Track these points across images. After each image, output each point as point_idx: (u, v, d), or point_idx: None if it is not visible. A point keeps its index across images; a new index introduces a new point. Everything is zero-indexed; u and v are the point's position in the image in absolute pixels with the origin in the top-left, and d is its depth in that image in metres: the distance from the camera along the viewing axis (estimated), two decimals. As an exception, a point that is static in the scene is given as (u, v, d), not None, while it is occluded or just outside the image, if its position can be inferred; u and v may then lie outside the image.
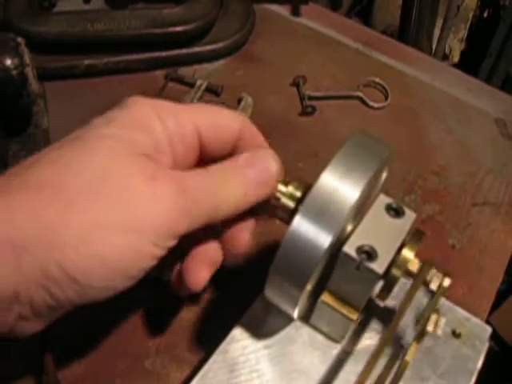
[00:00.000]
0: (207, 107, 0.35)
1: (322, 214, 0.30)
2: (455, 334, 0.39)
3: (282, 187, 0.35)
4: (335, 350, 0.37)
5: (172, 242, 0.30)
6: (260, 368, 0.36)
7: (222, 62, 0.62)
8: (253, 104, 0.56)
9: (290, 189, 0.34)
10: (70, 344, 0.40)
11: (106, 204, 0.28)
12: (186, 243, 0.34)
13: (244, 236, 0.35)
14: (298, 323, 0.38)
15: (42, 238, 0.26)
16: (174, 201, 0.29)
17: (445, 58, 1.26)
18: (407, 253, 0.33)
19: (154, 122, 0.31)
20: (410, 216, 0.34)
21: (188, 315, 0.42)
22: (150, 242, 0.28)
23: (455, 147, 0.58)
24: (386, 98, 0.60)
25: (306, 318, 0.38)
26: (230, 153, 0.35)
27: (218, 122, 0.34)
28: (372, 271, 0.31)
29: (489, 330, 0.40)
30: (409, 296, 0.32)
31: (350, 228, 0.34)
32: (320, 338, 0.38)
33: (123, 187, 0.28)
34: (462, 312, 0.41)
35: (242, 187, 0.32)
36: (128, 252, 0.28)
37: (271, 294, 0.33)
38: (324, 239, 0.30)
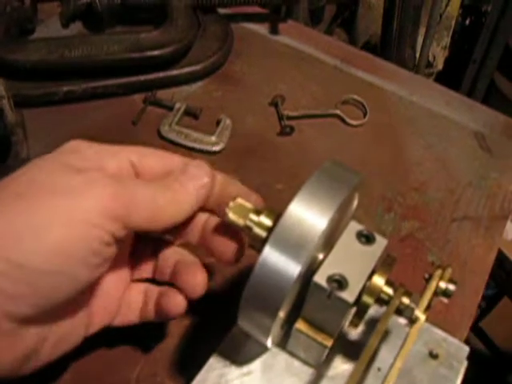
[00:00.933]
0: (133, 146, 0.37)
1: (291, 244, 0.30)
2: (432, 355, 0.39)
3: (253, 216, 0.35)
4: (312, 375, 0.37)
5: (115, 227, 0.31)
6: (237, 397, 0.36)
7: (200, 83, 0.62)
8: (231, 126, 0.57)
9: (262, 218, 0.34)
10: (50, 372, 0.40)
11: (43, 197, 0.30)
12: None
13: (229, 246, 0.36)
14: (275, 349, 0.38)
15: None
16: (108, 188, 0.31)
17: (429, 65, 1.27)
18: (378, 279, 0.33)
19: (86, 149, 0.34)
20: (381, 242, 0.35)
21: (168, 343, 0.42)
22: (90, 222, 0.30)
23: (434, 162, 0.58)
24: (365, 115, 0.60)
25: (282, 343, 0.38)
26: None
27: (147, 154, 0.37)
28: (343, 300, 0.32)
29: (466, 349, 0.40)
30: (380, 328, 0.33)
31: (321, 256, 0.34)
32: (297, 363, 0.38)
33: (56, 180, 0.31)
34: (439, 332, 0.41)
35: (183, 194, 0.35)
36: (69, 233, 0.30)
37: (244, 323, 0.34)
38: (293, 269, 0.30)
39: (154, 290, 0.38)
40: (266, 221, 0.35)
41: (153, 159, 0.36)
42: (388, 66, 0.69)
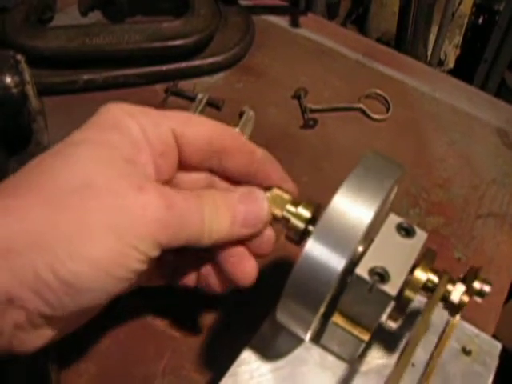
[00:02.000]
0: (177, 111, 0.35)
1: (335, 237, 0.29)
2: (465, 351, 0.39)
3: (291, 208, 0.34)
4: (346, 370, 0.37)
5: (154, 252, 0.30)
6: (269, 390, 0.36)
7: (221, 74, 0.61)
8: (254, 117, 0.56)
9: (300, 209, 0.34)
10: (76, 365, 0.39)
11: (92, 207, 0.28)
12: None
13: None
14: (308, 344, 0.38)
15: (32, 241, 0.27)
16: (159, 214, 0.29)
17: (440, 64, 1.26)
18: (420, 274, 0.32)
19: (127, 121, 0.32)
20: (421, 236, 0.34)
21: (195, 337, 0.42)
22: (133, 247, 0.29)
23: (457, 159, 0.58)
24: (388, 110, 0.60)
25: (316, 338, 0.37)
26: (211, 163, 0.35)
27: (191, 123, 0.34)
28: (385, 293, 0.31)
29: (499, 346, 0.40)
30: (425, 317, 0.32)
31: (361, 249, 0.33)
32: (331, 358, 0.37)
33: (109, 192, 0.29)
34: (471, 328, 0.40)
35: (230, 221, 0.33)
36: (113, 253, 0.28)
37: (283, 317, 0.33)
38: (338, 262, 0.29)
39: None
40: (305, 212, 0.34)
41: (197, 129, 0.34)
42: (410, 61, 0.68)
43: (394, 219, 0.34)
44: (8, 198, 0.28)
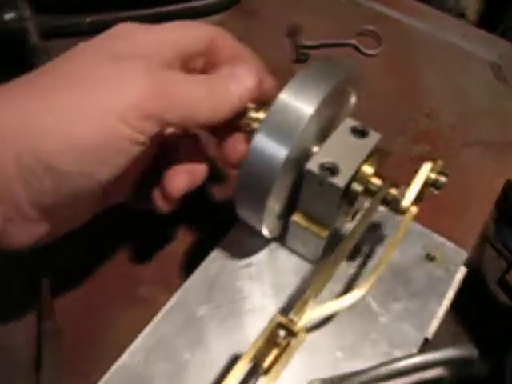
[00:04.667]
0: (174, 22, 0.36)
1: (280, 130, 0.32)
2: (429, 257, 0.41)
3: (252, 114, 0.36)
4: (311, 272, 0.39)
5: (148, 125, 0.30)
6: (239, 285, 0.39)
7: (217, 17, 0.63)
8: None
9: (260, 114, 0.36)
10: (66, 275, 0.42)
11: (81, 90, 0.29)
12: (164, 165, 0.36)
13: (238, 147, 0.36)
14: (275, 245, 0.40)
15: (22, 130, 0.28)
16: (147, 82, 0.30)
17: (461, 16, 1.24)
18: (367, 168, 0.34)
19: (131, 32, 0.33)
20: (374, 136, 0.36)
21: (180, 248, 0.44)
22: (122, 120, 0.29)
23: (448, 91, 0.58)
24: (380, 45, 0.61)
25: (282, 240, 0.40)
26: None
27: (190, 30, 0.35)
28: (334, 186, 0.33)
29: (464, 254, 0.42)
30: (366, 215, 0.34)
31: (315, 149, 0.35)
32: (296, 259, 0.40)
33: (97, 74, 0.30)
34: (437, 237, 0.42)
35: (225, 94, 0.34)
36: (103, 132, 0.29)
37: (240, 211, 0.36)
38: (282, 153, 0.32)
39: None
40: (262, 115, 0.36)
41: (196, 33, 0.35)
42: (406, 0, 0.68)
43: (349, 122, 0.36)
44: (1, 90, 0.29)
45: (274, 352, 0.29)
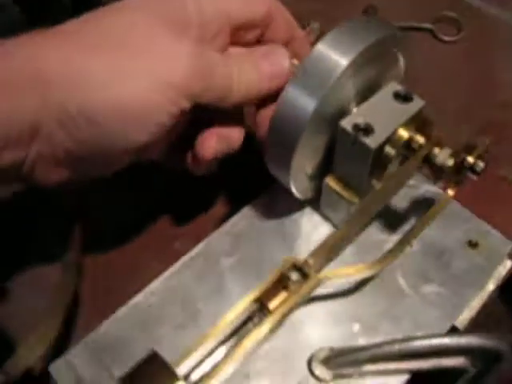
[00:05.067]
0: None
1: (311, 81, 0.31)
2: (472, 244, 0.38)
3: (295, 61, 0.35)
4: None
5: (184, 103, 0.31)
6: (266, 243, 0.38)
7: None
8: (320, 30, 0.57)
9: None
10: (100, 228, 0.43)
11: (129, 52, 0.30)
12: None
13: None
14: (309, 210, 0.39)
15: (68, 78, 0.29)
16: (192, 63, 0.31)
17: None
18: (403, 131, 0.33)
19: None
20: (418, 102, 0.34)
21: (219, 211, 0.45)
22: (165, 93, 0.30)
23: (526, 86, 0.55)
24: (459, 33, 0.58)
25: (316, 205, 0.39)
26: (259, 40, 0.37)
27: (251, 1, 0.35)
28: (366, 146, 0.32)
29: (510, 244, 0.39)
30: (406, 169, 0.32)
31: (354, 110, 0.34)
32: (329, 226, 0.39)
33: (148, 40, 0.31)
34: (483, 224, 0.39)
35: (256, 76, 0.34)
36: (144, 99, 0.30)
37: (270, 166, 0.35)
38: (311, 104, 0.31)
39: None
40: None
41: (253, 8, 0.35)
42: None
43: (393, 86, 0.35)
44: (52, 37, 0.30)
45: (282, 295, 0.28)
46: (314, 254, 0.28)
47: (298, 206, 0.39)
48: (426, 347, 0.31)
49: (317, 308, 0.35)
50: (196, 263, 0.37)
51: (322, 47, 0.31)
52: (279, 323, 0.27)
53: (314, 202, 0.39)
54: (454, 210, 0.39)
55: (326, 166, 0.36)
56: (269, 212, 0.39)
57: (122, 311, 0.35)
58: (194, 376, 0.28)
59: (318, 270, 0.28)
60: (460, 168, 0.33)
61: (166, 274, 0.37)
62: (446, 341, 0.31)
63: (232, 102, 0.34)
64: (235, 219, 0.39)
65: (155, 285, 0.36)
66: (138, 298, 0.36)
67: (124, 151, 0.32)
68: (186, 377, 0.27)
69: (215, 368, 0.27)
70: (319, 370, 0.33)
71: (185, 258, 0.37)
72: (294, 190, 0.36)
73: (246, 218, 0.39)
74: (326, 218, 0.39)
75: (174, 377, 0.25)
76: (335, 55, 0.31)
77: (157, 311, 0.35)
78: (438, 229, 0.39)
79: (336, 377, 0.32)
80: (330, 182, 0.36)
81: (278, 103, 0.32)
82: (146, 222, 0.44)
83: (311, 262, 0.28)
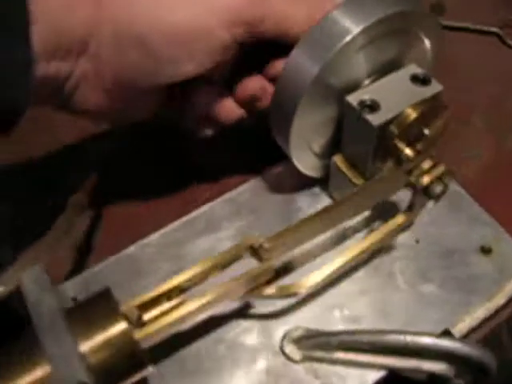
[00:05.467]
0: None
1: (317, 47, 0.30)
2: (484, 250, 0.36)
3: None
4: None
5: (239, 31, 0.30)
6: (264, 214, 0.38)
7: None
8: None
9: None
10: (122, 184, 0.43)
11: None
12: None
13: None
14: (318, 190, 0.38)
15: None
16: None
17: None
18: (410, 111, 0.31)
19: None
20: (435, 87, 0.32)
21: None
22: (220, 17, 0.30)
23: None
24: (529, 40, 0.54)
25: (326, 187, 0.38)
26: None
27: None
28: (369, 123, 0.31)
29: (529, 259, 0.35)
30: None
31: (367, 82, 0.33)
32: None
33: None
34: (502, 232, 0.37)
35: (306, 9, 0.32)
36: (197, 23, 0.30)
37: (274, 131, 0.35)
38: (312, 68, 0.30)
39: None
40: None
41: None
42: None
43: (412, 68, 0.33)
44: None
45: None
46: (274, 238, 0.28)
47: (306, 184, 0.38)
48: (400, 343, 0.29)
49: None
50: (195, 224, 0.37)
51: (334, 13, 0.30)
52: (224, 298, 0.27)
53: (324, 182, 0.38)
54: (472, 210, 0.37)
55: (337, 146, 0.35)
56: (276, 187, 0.39)
57: (114, 258, 0.36)
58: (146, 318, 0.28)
59: (276, 256, 0.27)
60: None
61: (165, 229, 0.37)
62: (423, 340, 0.29)
63: (291, 36, 0.32)
64: (241, 188, 0.39)
65: (151, 238, 0.37)
66: (133, 248, 0.36)
67: (169, 79, 0.32)
68: (138, 320, 0.27)
69: (165, 314, 0.27)
70: (289, 349, 0.32)
71: (186, 218, 0.38)
72: (295, 160, 0.35)
73: (252, 189, 0.39)
74: (333, 199, 0.38)
75: (118, 315, 0.25)
76: (346, 23, 0.30)
77: (147, 264, 0.36)
78: (450, 227, 0.36)
79: (305, 358, 0.31)
80: (338, 160, 0.35)
81: (283, 66, 0.31)
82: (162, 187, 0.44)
83: (267, 246, 0.27)
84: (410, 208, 0.33)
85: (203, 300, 0.27)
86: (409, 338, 0.29)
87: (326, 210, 0.30)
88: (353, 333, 0.30)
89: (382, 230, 0.32)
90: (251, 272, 0.28)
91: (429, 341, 0.29)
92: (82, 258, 0.38)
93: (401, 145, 0.31)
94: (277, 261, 0.29)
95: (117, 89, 0.32)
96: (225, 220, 0.37)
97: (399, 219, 0.33)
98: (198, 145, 0.43)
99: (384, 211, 0.36)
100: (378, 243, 0.32)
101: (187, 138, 0.41)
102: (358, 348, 0.31)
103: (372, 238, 0.32)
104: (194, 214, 0.38)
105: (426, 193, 0.31)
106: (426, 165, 0.31)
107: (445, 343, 0.29)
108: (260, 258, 0.27)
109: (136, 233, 0.38)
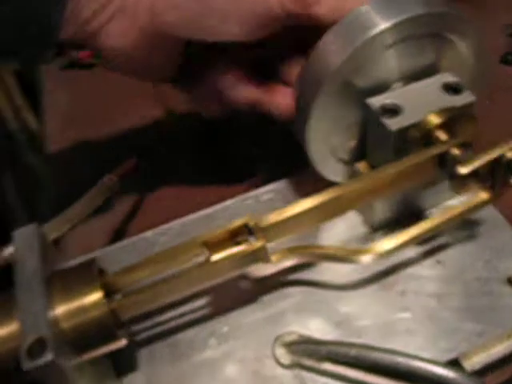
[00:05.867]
0: None
1: (341, 40, 0.29)
2: (511, 281, 0.32)
3: None
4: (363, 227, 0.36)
5: (291, 6, 0.30)
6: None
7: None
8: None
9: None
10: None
11: None
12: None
13: None
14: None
15: None
16: None
17: None
18: (432, 117, 0.29)
19: None
20: (466, 97, 0.30)
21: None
22: None
23: None
24: None
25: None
26: None
27: None
28: (386, 128, 0.29)
29: None
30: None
31: (394, 87, 0.32)
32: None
33: None
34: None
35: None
36: None
37: (294, 131, 0.34)
38: (334, 62, 0.29)
39: None
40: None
41: None
42: None
43: (445, 76, 0.31)
44: None
45: (229, 250, 0.27)
46: (272, 217, 0.27)
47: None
48: (390, 364, 0.27)
49: (306, 292, 0.33)
50: (214, 218, 0.37)
51: (365, 7, 0.29)
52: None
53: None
54: (506, 238, 0.34)
55: (363, 153, 0.34)
56: (300, 190, 0.38)
57: (129, 240, 0.36)
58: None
59: (271, 238, 0.27)
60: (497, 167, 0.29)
61: (183, 219, 0.37)
62: (413, 364, 0.27)
63: (317, 20, 0.31)
64: (265, 189, 0.38)
65: (168, 226, 0.37)
66: (148, 233, 0.37)
67: (209, 35, 0.32)
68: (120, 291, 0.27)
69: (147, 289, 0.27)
70: (279, 352, 0.31)
71: (205, 211, 0.38)
72: (315, 164, 0.34)
73: (276, 190, 0.38)
74: (357, 209, 0.36)
75: (96, 284, 0.26)
76: (375, 17, 0.29)
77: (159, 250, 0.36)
78: (478, 252, 0.34)
79: (294, 364, 0.30)
80: (361, 167, 0.34)
81: (306, 58, 0.31)
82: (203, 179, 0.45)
83: (264, 223, 0.26)
84: (493, 185, 0.31)
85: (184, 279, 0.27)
86: (399, 359, 0.27)
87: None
88: (341, 344, 0.29)
89: (462, 206, 0.30)
90: (243, 252, 0.27)
91: (420, 365, 0.27)
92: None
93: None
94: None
95: (150, 30, 0.32)
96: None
97: (482, 195, 0.31)
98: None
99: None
100: (457, 218, 0.30)
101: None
102: (348, 362, 0.29)
103: (451, 212, 0.30)
104: (215, 207, 0.38)
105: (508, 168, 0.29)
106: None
107: (436, 370, 0.26)
108: (252, 233, 0.27)
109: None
